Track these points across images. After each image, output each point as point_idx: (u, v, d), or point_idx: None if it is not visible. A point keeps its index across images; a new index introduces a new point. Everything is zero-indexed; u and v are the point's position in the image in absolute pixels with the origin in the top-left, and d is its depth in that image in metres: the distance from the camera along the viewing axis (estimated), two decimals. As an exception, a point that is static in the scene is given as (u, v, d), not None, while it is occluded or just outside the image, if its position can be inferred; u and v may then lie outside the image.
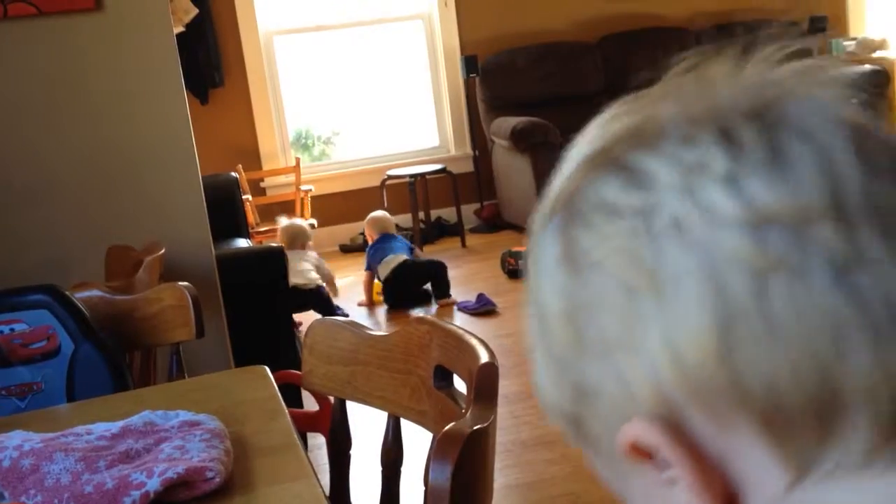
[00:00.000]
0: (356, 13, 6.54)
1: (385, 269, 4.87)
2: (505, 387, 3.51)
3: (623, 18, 6.62)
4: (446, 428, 0.83)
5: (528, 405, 3.29)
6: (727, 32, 6.60)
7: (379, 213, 5.39)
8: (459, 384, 1.07)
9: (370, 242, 5.15)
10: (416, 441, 1.24)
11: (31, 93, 2.23)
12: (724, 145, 0.37)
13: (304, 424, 2.27)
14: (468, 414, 0.88)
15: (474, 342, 1.02)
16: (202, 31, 5.95)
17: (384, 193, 6.14)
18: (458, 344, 1.05)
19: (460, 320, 4.46)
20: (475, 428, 0.83)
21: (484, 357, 0.96)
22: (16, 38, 2.19)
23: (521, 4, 6.54)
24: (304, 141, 6.76)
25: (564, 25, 6.59)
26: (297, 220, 5.30)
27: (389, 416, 1.18)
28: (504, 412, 3.24)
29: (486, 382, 0.93)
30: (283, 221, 5.21)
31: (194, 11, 5.84)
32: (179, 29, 5.85)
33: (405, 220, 6.24)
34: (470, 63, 6.27)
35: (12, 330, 1.47)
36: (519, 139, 5.71)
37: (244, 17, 6.20)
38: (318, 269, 4.84)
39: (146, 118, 2.30)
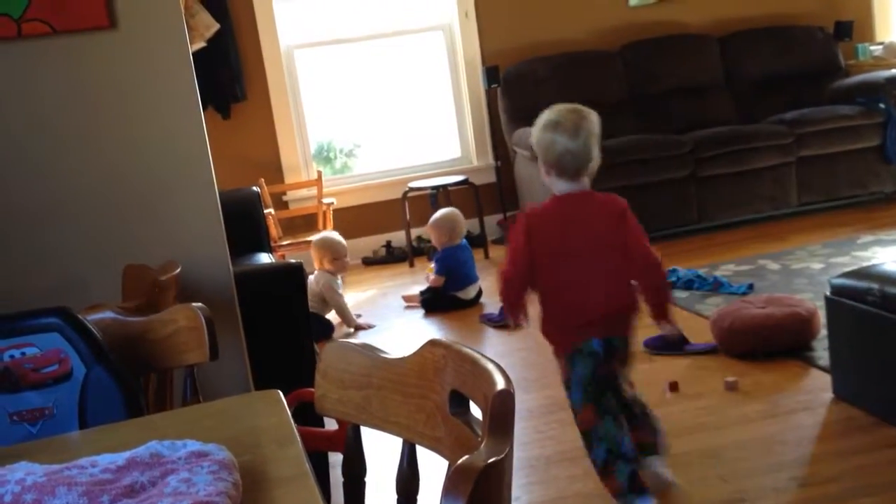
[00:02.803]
0: (376, 26, 6.54)
1: (471, 292, 5.02)
2: (527, 401, 3.46)
3: (645, 26, 6.58)
4: (459, 462, 0.80)
5: (552, 419, 3.24)
6: (751, 39, 6.53)
7: (452, 213, 5.33)
8: (476, 408, 1.03)
9: (439, 246, 5.17)
10: (433, 467, 1.21)
11: (46, 112, 2.22)
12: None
13: (323, 444, 2.23)
14: (482, 445, 0.84)
15: (490, 367, 0.98)
16: (224, 47, 5.96)
17: (406, 206, 6.11)
18: (474, 368, 1.01)
19: (483, 332, 4.43)
20: (489, 461, 0.79)
21: (500, 384, 0.92)
22: (30, 57, 2.18)
23: (541, 14, 6.51)
24: (325, 154, 6.75)
25: (585, 34, 6.55)
26: (324, 234, 5.29)
27: (404, 443, 1.15)
28: (527, 427, 3.19)
29: (501, 411, 0.89)
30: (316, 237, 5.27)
31: (215, 27, 5.86)
32: (201, 44, 5.86)
33: (427, 231, 6.21)
34: (491, 74, 6.25)
35: (23, 354, 1.45)
36: (541, 149, 5.66)
37: (265, 32, 6.21)
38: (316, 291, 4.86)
39: (163, 136, 2.28)
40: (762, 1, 6.72)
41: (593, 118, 2.52)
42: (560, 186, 2.53)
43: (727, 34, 6.55)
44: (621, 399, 2.51)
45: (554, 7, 6.52)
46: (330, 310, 4.93)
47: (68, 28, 2.16)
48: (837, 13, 6.69)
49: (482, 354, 1.02)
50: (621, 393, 2.53)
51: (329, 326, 4.82)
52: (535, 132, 2.53)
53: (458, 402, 1.05)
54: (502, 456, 0.82)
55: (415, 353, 1.12)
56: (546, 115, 2.53)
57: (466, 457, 0.81)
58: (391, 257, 6.30)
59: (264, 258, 3.58)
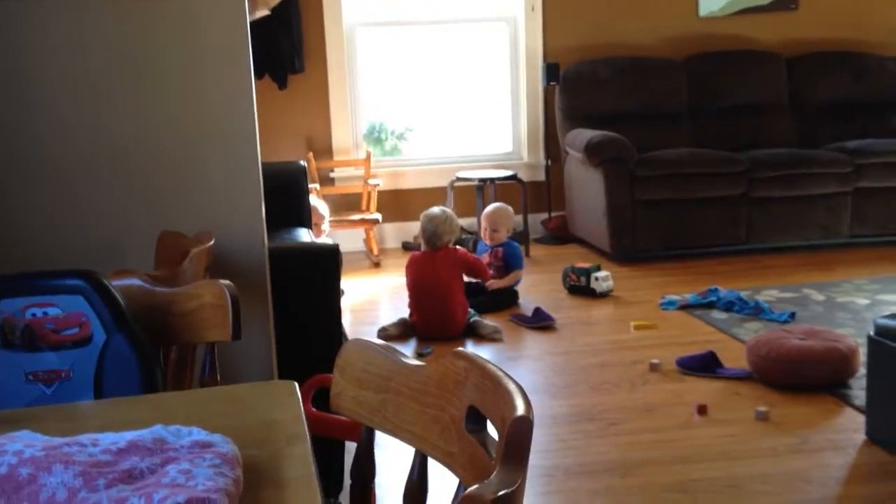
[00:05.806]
0: (441, 12, 6.49)
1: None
2: (553, 407, 3.41)
3: (713, 38, 6.46)
4: (468, 491, 0.76)
5: (576, 429, 3.19)
6: (821, 62, 6.39)
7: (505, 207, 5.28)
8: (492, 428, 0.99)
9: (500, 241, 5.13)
10: (444, 479, 1.17)
11: (91, 68, 2.20)
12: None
13: (340, 432, 2.21)
14: (493, 474, 0.80)
15: (512, 388, 0.94)
16: (287, 16, 5.94)
17: (451, 194, 6.07)
18: (495, 387, 0.96)
19: (517, 332, 4.38)
20: (499, 494, 0.75)
21: (520, 408, 0.88)
22: (82, 9, 2.15)
23: (608, 15, 6.41)
24: (376, 134, 6.73)
25: (651, 40, 6.45)
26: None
27: (416, 453, 1.11)
28: (550, 434, 3.15)
29: (517, 438, 0.85)
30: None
31: (280, -4, 5.85)
32: (265, 12, 5.83)
33: (471, 223, 6.17)
34: (551, 71, 6.17)
35: (45, 314, 1.44)
36: (593, 153, 5.59)
37: (330, 6, 6.19)
38: None
39: (210, 103, 2.25)
40: (836, 25, 6.57)
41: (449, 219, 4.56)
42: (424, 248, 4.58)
43: (797, 55, 6.42)
44: None
45: (622, 9, 6.42)
46: None
47: (129, -14, 2.15)
48: (912, 44, 6.53)
49: (506, 374, 0.98)
50: None
51: None
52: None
53: (476, 419, 1.01)
54: (513, 489, 0.77)
55: (437, 363, 1.08)
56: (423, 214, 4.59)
57: (476, 486, 0.77)
58: (431, 245, 6.25)
59: (304, 235, 3.55)
